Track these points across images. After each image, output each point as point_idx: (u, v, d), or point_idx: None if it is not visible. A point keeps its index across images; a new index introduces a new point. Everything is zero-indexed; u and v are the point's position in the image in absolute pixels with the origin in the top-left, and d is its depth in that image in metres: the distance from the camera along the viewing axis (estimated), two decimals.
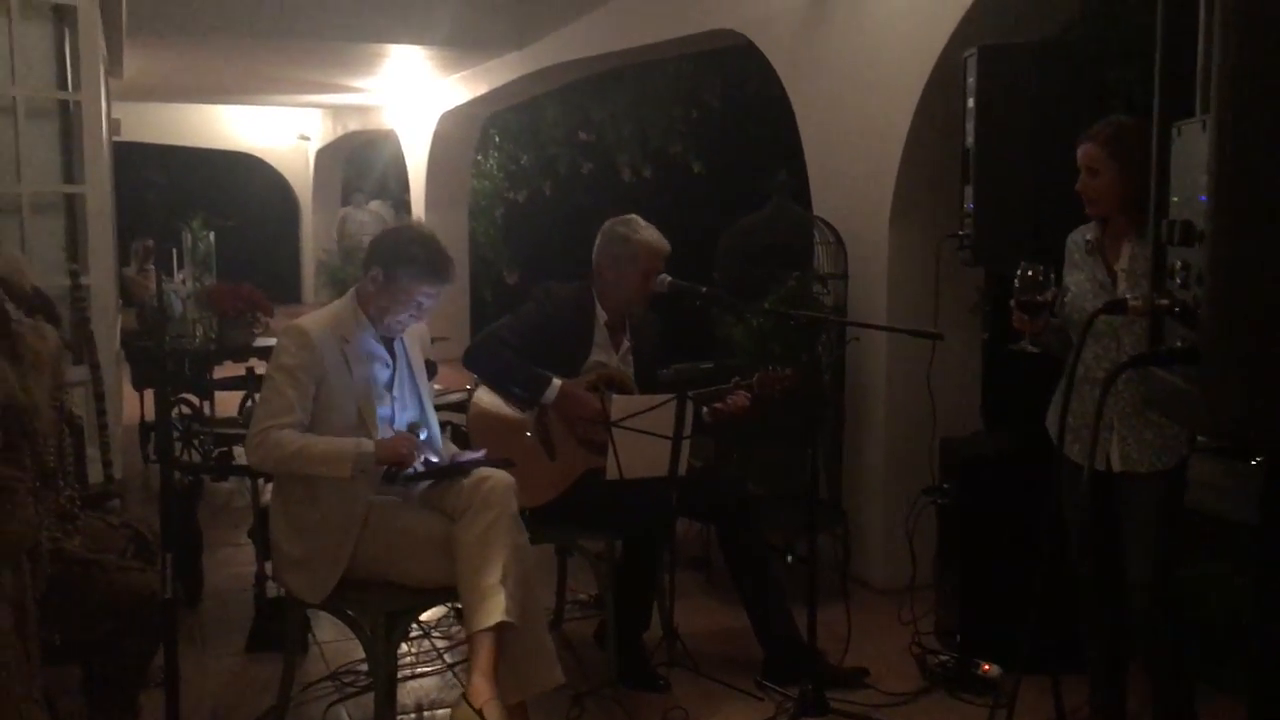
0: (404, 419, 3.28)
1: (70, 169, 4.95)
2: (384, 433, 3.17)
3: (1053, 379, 3.20)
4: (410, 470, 3.17)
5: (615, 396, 3.43)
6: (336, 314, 3.22)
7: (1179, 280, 1.75)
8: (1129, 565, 3.04)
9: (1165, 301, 1.78)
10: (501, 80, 9.09)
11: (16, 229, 4.69)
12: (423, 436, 3.26)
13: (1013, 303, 2.96)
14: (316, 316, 3.21)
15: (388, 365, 3.25)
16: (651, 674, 3.67)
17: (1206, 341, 1.63)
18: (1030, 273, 2.92)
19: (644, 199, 8.95)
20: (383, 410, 3.21)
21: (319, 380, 3.08)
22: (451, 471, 3.14)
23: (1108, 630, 3.23)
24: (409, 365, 3.33)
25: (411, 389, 3.33)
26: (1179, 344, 1.75)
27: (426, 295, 3.18)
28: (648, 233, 3.78)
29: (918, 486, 4.03)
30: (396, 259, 3.15)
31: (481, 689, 2.81)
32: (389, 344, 3.27)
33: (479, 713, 2.76)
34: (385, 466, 3.11)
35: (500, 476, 3.07)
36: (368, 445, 3.03)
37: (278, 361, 3.11)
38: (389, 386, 3.25)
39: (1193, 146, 1.70)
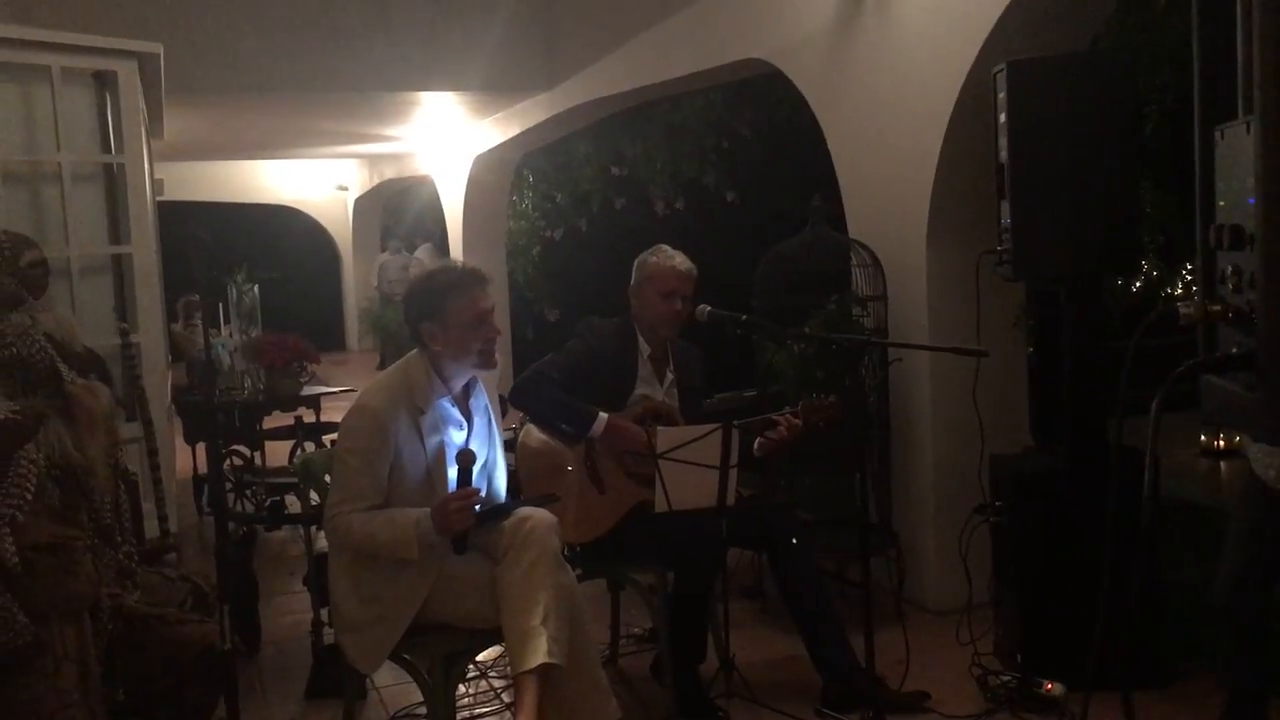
0: (478, 476, 3.18)
1: (116, 230, 5.05)
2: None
3: (1103, 391, 3.15)
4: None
5: (660, 428, 3.42)
6: (409, 379, 3.13)
7: (1230, 285, 1.73)
8: None
9: (1218, 308, 1.77)
10: (533, 121, 9.19)
11: (67, 291, 4.78)
12: (478, 462, 3.14)
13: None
14: (387, 386, 3.14)
15: (461, 427, 3.20)
16: (710, 706, 3.64)
17: (1264, 345, 1.61)
18: None
19: (679, 230, 8.99)
20: (453, 473, 3.14)
21: (391, 457, 3.04)
22: (495, 514, 3.12)
23: (1253, 658, 3.08)
24: (488, 422, 3.28)
25: (490, 444, 3.28)
26: (1234, 350, 1.73)
27: (485, 304, 3.13)
28: (664, 254, 3.84)
29: (968, 505, 3.98)
30: (435, 297, 3.12)
31: None
32: (465, 402, 3.22)
33: None
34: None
35: (540, 516, 3.05)
36: (426, 523, 2.96)
37: (350, 444, 3.06)
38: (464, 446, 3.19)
39: (1237, 149, 1.69)
